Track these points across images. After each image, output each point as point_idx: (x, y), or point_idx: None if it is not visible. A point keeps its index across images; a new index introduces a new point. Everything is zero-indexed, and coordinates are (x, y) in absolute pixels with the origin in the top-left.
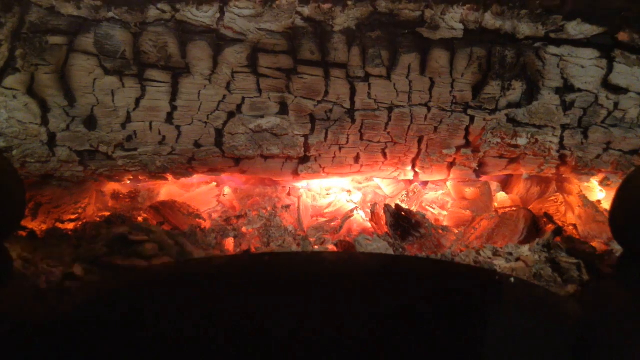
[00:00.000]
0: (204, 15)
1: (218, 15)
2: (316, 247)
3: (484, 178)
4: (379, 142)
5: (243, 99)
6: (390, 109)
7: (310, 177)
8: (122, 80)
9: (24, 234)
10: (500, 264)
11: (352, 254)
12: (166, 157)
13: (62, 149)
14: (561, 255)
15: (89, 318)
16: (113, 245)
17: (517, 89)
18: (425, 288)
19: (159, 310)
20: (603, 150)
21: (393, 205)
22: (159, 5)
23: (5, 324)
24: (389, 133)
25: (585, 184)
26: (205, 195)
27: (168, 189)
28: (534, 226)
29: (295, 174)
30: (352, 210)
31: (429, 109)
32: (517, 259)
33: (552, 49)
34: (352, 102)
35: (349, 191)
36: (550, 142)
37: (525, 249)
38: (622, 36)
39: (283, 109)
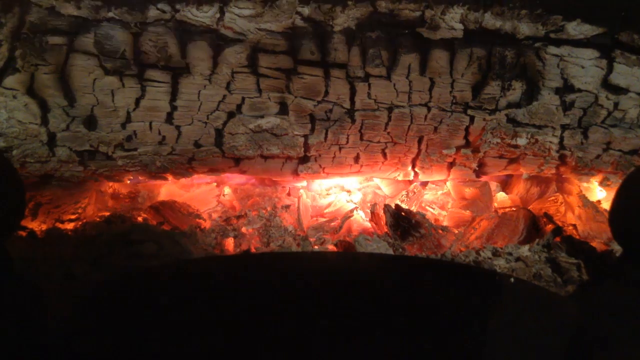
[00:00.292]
0: (204, 15)
1: (218, 15)
2: (316, 247)
3: (483, 178)
4: (378, 142)
5: (243, 99)
6: (390, 109)
7: (310, 177)
8: (122, 80)
9: (24, 234)
10: (500, 264)
11: (352, 254)
12: (166, 157)
13: (62, 149)
14: (561, 255)
15: (89, 318)
16: (113, 245)
17: (517, 89)
18: (425, 288)
19: (159, 310)
20: (603, 151)
21: (393, 206)
22: (159, 5)
23: (5, 324)
24: (388, 133)
25: (585, 184)
26: (205, 195)
27: (168, 189)
28: (534, 226)
29: (295, 174)
30: (352, 210)
31: (429, 109)
32: (517, 259)
33: (552, 49)
34: (352, 102)
35: (348, 191)
36: (550, 142)
37: (525, 249)
38: (622, 36)
39: (283, 109)
